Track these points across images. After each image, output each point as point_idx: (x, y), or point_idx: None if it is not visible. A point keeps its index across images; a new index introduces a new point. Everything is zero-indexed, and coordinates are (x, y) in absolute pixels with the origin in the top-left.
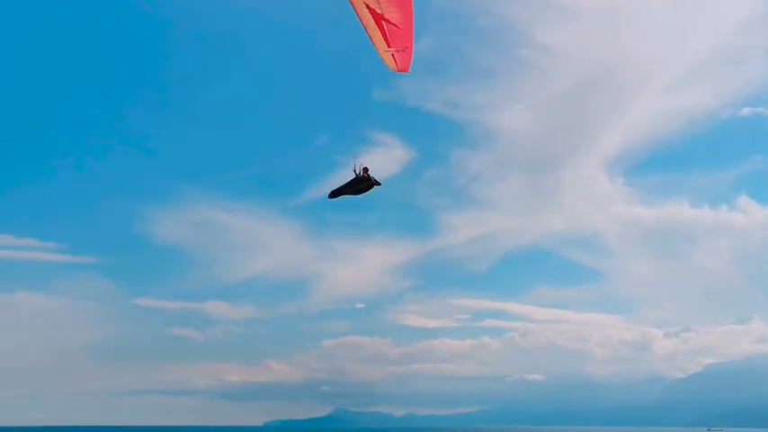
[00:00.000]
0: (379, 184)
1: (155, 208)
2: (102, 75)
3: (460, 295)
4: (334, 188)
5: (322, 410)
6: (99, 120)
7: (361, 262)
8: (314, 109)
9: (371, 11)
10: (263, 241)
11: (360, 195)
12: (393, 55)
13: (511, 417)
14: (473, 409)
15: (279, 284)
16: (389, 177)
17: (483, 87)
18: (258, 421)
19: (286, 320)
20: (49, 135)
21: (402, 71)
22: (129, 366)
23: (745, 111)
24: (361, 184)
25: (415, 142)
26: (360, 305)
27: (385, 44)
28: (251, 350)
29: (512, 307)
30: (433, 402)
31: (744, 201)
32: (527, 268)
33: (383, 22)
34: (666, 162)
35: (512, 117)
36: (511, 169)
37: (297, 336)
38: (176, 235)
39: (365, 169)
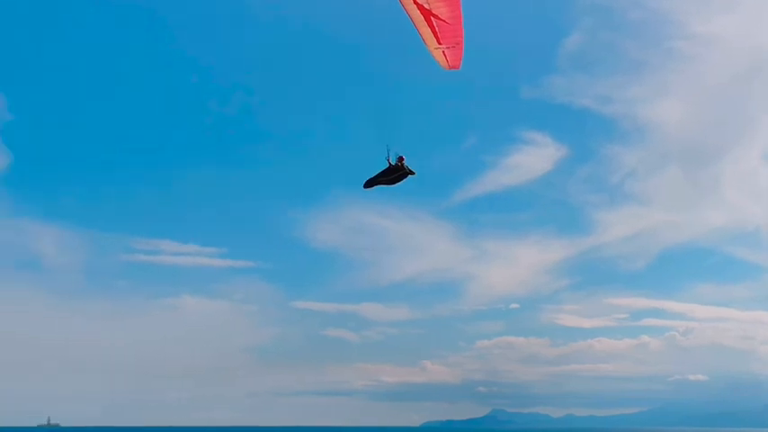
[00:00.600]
0: (413, 173)
1: (310, 213)
2: (256, 77)
3: (618, 294)
4: (369, 178)
5: (479, 411)
6: (252, 126)
7: (514, 261)
8: (463, 109)
9: (419, 6)
10: (417, 243)
11: (394, 185)
12: (444, 52)
13: (673, 418)
14: (634, 409)
15: (432, 286)
16: (542, 175)
17: (636, 81)
18: (416, 422)
19: (440, 321)
20: (207, 143)
21: (453, 68)
22: (289, 368)
23: None
24: (395, 173)
25: (566, 139)
26: (514, 305)
27: (435, 41)
28: (406, 351)
29: (671, 305)
30: (592, 403)
31: None
32: (686, 265)
33: (432, 18)
34: None
35: (666, 110)
36: (667, 164)
37: (451, 336)
38: (332, 239)
39: (400, 158)
